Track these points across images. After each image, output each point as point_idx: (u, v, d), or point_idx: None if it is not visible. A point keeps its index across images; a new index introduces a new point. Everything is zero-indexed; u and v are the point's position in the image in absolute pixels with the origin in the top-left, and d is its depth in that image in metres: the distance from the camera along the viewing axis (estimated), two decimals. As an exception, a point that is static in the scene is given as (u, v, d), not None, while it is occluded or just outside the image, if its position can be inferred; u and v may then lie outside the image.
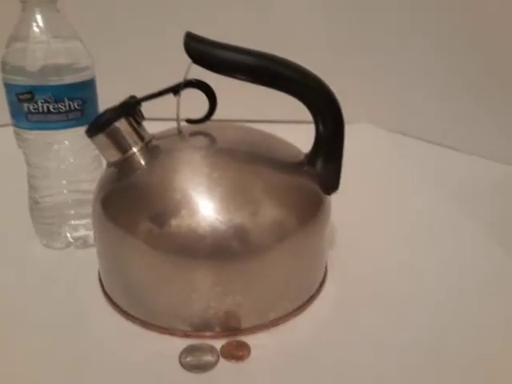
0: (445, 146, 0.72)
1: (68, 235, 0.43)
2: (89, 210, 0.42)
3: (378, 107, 0.81)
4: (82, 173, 0.42)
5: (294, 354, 0.33)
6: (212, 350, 0.32)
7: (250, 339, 0.33)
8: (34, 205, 0.42)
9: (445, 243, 0.47)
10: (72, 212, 0.42)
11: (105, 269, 0.37)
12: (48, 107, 0.38)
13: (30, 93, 0.37)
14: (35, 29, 0.37)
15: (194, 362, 0.31)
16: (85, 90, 0.39)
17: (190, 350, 0.32)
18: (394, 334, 0.35)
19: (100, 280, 0.39)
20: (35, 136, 0.39)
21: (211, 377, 0.30)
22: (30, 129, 0.38)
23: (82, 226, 0.43)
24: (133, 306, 0.35)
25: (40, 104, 0.37)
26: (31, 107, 0.37)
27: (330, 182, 0.38)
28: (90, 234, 0.43)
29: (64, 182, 0.41)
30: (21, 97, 0.37)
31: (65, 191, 0.41)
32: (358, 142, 0.70)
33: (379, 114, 0.81)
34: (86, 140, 0.40)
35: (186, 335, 0.33)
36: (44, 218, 0.43)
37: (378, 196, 0.57)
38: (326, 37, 0.78)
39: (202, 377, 0.30)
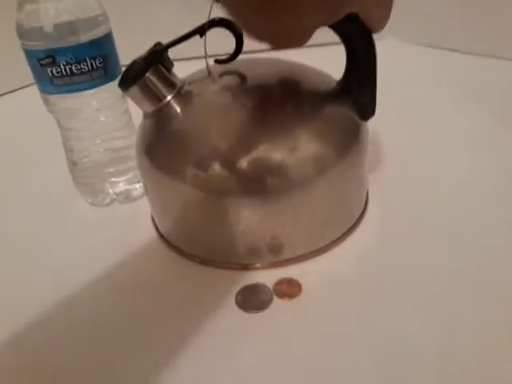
0: (477, 55, 0.67)
1: (110, 191, 0.44)
2: (126, 165, 0.43)
3: (401, 20, 0.76)
4: (113, 130, 0.42)
5: (342, 282, 0.34)
6: (265, 288, 0.34)
7: (299, 271, 0.35)
8: (73, 166, 0.43)
9: (495, 164, 0.45)
10: (111, 170, 0.43)
11: (159, 215, 0.39)
12: (71, 69, 0.37)
13: (50, 56, 0.36)
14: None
15: (248, 302, 0.33)
16: (104, 46, 0.38)
17: (245, 290, 0.34)
18: (437, 257, 0.35)
19: (155, 226, 0.41)
20: (63, 99, 0.39)
21: (267, 315, 0.32)
22: (57, 93, 0.38)
23: (122, 182, 0.44)
24: (190, 246, 0.37)
25: (62, 67, 0.37)
26: (54, 71, 0.37)
27: (366, 107, 0.37)
28: (131, 187, 0.44)
29: (98, 141, 0.42)
30: (42, 62, 0.36)
31: (101, 150, 0.42)
32: (386, 60, 0.67)
33: (403, 27, 0.76)
34: (114, 97, 0.40)
35: (241, 268, 0.35)
36: (84, 178, 0.44)
37: (414, 116, 0.55)
38: None
39: (258, 316, 0.32)
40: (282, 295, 0.33)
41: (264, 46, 0.28)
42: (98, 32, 0.37)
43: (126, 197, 0.44)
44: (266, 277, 0.35)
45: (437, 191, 0.42)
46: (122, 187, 0.44)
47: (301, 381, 0.28)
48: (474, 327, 0.30)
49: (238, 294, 0.33)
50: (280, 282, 0.34)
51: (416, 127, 0.53)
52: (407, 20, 0.74)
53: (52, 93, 0.38)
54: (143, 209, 0.42)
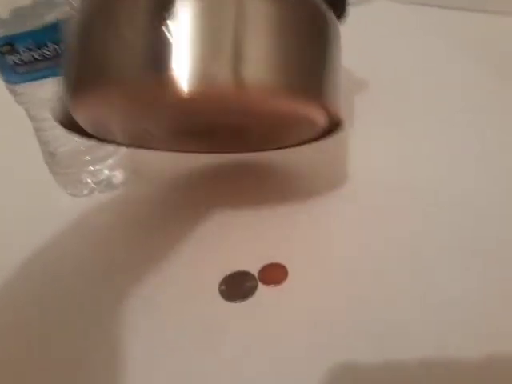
0: (464, 10, 0.65)
1: (89, 181, 0.43)
2: (104, 151, 0.42)
3: None
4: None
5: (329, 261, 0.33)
6: (250, 276, 0.33)
7: (284, 254, 0.33)
8: (50, 158, 0.42)
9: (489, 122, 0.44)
10: (88, 158, 0.42)
11: None
12: (32, 55, 0.35)
13: (8, 44, 0.34)
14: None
15: (232, 291, 0.32)
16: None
17: (228, 279, 0.33)
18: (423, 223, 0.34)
19: None
20: (30, 88, 0.37)
21: (252, 303, 0.31)
22: (21, 81, 0.36)
23: (101, 169, 0.43)
24: None
25: (23, 53, 0.35)
26: (15, 59, 0.35)
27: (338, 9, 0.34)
28: (111, 174, 0.43)
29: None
30: (1, 50, 0.34)
31: (75, 139, 0.40)
32: (378, 21, 0.64)
33: None
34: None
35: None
36: (62, 169, 0.42)
37: (407, 76, 0.54)
38: None
39: (243, 305, 0.31)
40: (268, 282, 0.32)
41: None
42: (58, 14, 0.35)
43: (107, 184, 0.43)
44: (251, 263, 0.33)
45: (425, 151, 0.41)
46: (100, 175, 0.43)
47: (289, 370, 0.27)
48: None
49: (222, 284, 0.32)
50: (264, 269, 0.33)
51: (409, 86, 0.52)
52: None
53: (16, 82, 0.36)
54: (124, 197, 0.41)
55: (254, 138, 0.37)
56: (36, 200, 0.44)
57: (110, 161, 0.42)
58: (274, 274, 0.33)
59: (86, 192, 0.43)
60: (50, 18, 0.35)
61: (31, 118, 0.39)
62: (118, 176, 0.43)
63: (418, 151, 0.42)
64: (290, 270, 0.33)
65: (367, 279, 0.31)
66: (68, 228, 0.40)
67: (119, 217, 0.41)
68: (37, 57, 0.35)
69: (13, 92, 0.37)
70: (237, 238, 0.36)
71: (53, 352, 0.30)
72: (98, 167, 0.42)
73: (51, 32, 0.35)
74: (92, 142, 0.40)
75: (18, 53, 0.34)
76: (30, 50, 0.35)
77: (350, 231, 0.35)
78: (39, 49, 0.35)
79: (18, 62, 0.35)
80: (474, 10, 0.65)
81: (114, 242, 0.38)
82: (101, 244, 0.38)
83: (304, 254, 0.34)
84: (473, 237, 0.33)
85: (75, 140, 0.40)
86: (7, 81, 0.37)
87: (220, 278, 0.33)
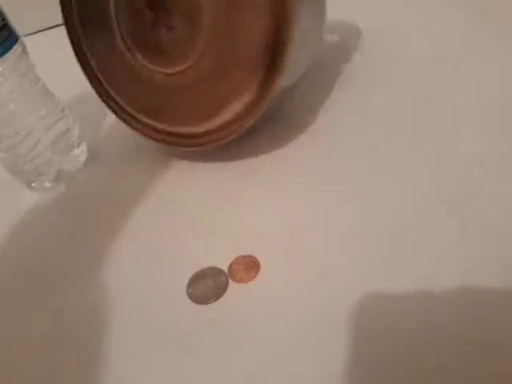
0: None
1: (47, 174, 0.40)
2: (63, 145, 0.39)
3: None
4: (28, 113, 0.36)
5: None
6: (220, 273, 0.30)
7: (253, 247, 0.31)
8: (15, 159, 0.38)
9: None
10: (48, 153, 0.39)
11: None
12: None
13: None
14: None
15: (201, 293, 0.30)
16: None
17: (195, 280, 0.30)
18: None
19: None
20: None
21: (223, 303, 0.29)
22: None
23: (64, 162, 0.40)
24: None
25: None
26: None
27: None
28: (70, 164, 0.41)
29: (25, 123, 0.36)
30: None
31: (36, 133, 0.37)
32: None
33: None
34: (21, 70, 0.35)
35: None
36: (27, 166, 0.39)
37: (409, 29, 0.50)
38: None
39: (214, 305, 0.29)
40: (238, 279, 0.30)
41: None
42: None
43: (65, 176, 0.40)
44: (220, 259, 0.31)
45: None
46: (65, 165, 0.40)
47: (269, 370, 0.25)
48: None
49: (189, 285, 0.30)
50: (235, 264, 0.30)
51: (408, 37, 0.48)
52: None
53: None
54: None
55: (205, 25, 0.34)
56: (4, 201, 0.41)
57: (76, 150, 0.40)
58: (246, 267, 0.30)
59: (46, 185, 0.40)
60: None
61: None
62: (76, 164, 0.41)
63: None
64: (261, 262, 0.31)
65: (341, 269, 0.29)
66: (30, 223, 0.38)
67: (77, 212, 0.38)
68: None
69: None
70: (204, 231, 0.34)
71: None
72: (60, 157, 0.40)
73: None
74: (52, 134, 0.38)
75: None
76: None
77: (322, 218, 0.33)
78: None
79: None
80: None
81: (72, 239, 0.36)
82: (56, 242, 0.36)
83: (275, 245, 0.32)
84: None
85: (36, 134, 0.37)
86: None
87: (187, 277, 0.30)
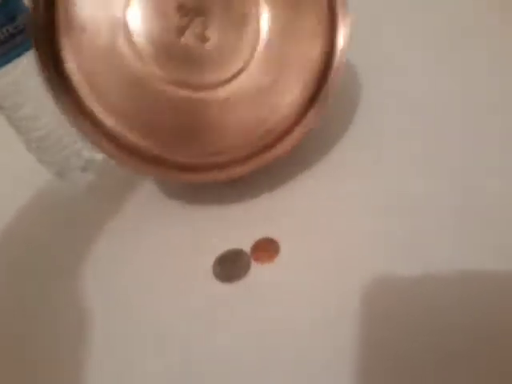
0: None
1: (74, 161, 0.42)
2: None
3: None
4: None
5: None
6: (242, 254, 0.33)
7: (275, 228, 0.33)
8: (46, 149, 0.40)
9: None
10: (68, 139, 0.40)
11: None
12: (8, 30, 0.33)
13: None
14: None
15: (226, 272, 0.32)
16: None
17: (222, 259, 0.33)
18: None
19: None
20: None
21: (246, 283, 0.32)
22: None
23: (82, 149, 0.42)
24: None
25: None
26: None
27: None
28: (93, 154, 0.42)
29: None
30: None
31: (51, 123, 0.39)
32: None
33: None
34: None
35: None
36: (51, 152, 0.41)
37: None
38: None
39: (238, 284, 0.32)
40: (261, 259, 0.32)
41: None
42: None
43: (90, 164, 0.42)
44: (243, 239, 0.34)
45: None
46: (84, 154, 0.42)
47: (284, 350, 0.28)
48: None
49: (216, 263, 0.33)
50: (256, 247, 0.33)
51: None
52: None
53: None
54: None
55: (252, 40, 0.34)
56: (25, 185, 0.44)
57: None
58: (267, 249, 0.33)
59: (74, 174, 0.42)
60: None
61: (4, 108, 0.38)
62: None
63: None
64: (281, 244, 0.33)
65: (357, 252, 0.32)
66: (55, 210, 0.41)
67: (106, 200, 0.41)
68: (12, 31, 0.33)
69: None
70: (227, 214, 0.36)
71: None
72: (78, 147, 0.41)
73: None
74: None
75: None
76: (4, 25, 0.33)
77: (339, 206, 0.35)
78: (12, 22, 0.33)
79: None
80: None
81: (104, 227, 0.38)
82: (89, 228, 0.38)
83: (295, 228, 0.34)
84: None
85: (52, 124, 0.39)
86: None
87: (213, 258, 0.33)
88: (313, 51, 0.34)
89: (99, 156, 0.42)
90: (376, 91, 0.43)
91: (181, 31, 0.33)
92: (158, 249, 0.35)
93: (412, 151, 0.37)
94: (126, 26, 0.33)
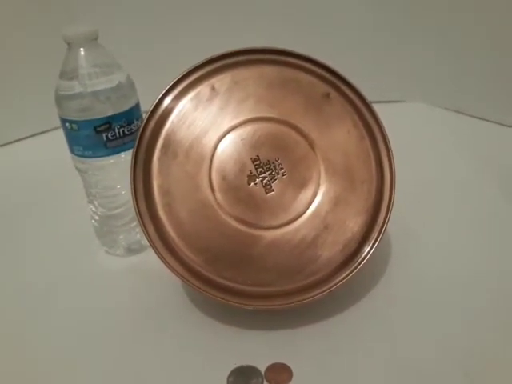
0: (503, 125, 0.69)
1: (123, 242, 0.47)
2: None
3: (430, 84, 0.76)
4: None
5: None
6: (257, 373, 0.36)
7: (291, 354, 0.36)
8: (108, 219, 0.45)
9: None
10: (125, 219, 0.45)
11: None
12: (123, 131, 0.41)
13: (107, 123, 0.40)
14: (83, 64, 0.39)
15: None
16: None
17: (236, 373, 0.36)
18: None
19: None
20: (113, 160, 0.42)
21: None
22: (109, 155, 0.41)
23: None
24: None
25: (117, 130, 0.40)
26: (109, 135, 0.40)
27: None
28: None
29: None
30: (99, 129, 0.40)
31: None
32: (412, 121, 0.68)
33: (433, 91, 0.76)
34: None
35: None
36: (109, 227, 0.46)
37: (428, 181, 0.57)
38: (378, 14, 0.73)
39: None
40: (272, 382, 0.35)
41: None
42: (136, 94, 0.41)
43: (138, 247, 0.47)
44: (259, 359, 0.36)
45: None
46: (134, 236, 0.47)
47: None
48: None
49: (230, 376, 0.35)
50: (270, 369, 0.36)
51: (437, 196, 0.55)
52: (436, 85, 0.75)
53: (104, 156, 0.41)
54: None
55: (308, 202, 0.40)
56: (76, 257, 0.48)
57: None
58: (280, 374, 0.35)
59: (119, 252, 0.47)
60: (135, 100, 0.41)
61: (93, 186, 0.44)
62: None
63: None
64: (294, 372, 0.35)
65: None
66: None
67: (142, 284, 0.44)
68: (126, 132, 0.41)
69: (91, 165, 0.42)
70: (247, 330, 0.39)
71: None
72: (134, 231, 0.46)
73: (137, 110, 0.42)
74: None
75: (113, 130, 0.40)
76: (123, 126, 0.41)
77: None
78: (129, 125, 0.41)
79: (110, 137, 0.40)
80: (506, 124, 0.68)
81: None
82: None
83: (310, 357, 0.36)
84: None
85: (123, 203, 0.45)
86: (94, 156, 0.41)
87: (228, 369, 0.35)
88: (355, 226, 0.40)
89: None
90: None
91: (252, 179, 0.39)
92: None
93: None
94: (211, 159, 0.39)
